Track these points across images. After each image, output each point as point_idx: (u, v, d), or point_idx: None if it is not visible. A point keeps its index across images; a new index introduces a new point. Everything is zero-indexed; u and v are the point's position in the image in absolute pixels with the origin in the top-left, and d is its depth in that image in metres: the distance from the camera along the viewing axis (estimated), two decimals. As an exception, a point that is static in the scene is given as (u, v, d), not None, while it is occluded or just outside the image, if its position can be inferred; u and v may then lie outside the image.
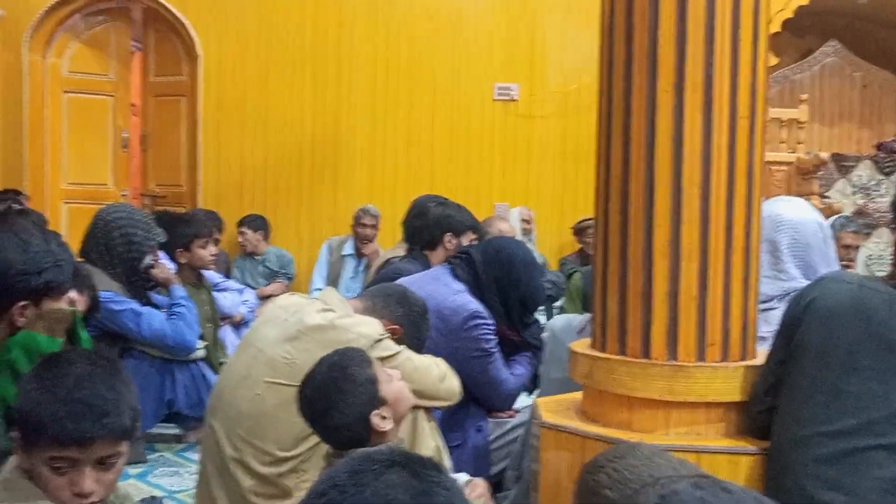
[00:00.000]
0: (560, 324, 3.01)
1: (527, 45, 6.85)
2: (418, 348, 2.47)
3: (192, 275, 4.26)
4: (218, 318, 4.45)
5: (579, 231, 6.48)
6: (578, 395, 2.28)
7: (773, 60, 6.42)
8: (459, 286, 3.00)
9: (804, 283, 2.25)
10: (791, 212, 2.45)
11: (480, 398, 2.96)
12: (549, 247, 6.74)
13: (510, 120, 6.85)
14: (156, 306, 3.75)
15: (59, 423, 1.47)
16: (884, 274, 2.02)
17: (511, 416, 3.06)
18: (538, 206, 6.72)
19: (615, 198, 2.09)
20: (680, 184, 2.01)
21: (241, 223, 6.42)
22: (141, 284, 3.76)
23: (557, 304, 5.23)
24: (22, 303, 1.84)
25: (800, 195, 6.20)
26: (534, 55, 6.85)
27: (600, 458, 1.42)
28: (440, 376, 2.43)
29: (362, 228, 6.14)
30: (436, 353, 2.52)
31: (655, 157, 2.02)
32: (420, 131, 6.86)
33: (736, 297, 2.05)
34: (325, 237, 6.46)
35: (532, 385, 3.25)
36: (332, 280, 6.07)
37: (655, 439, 2.00)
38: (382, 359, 2.14)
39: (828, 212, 5.61)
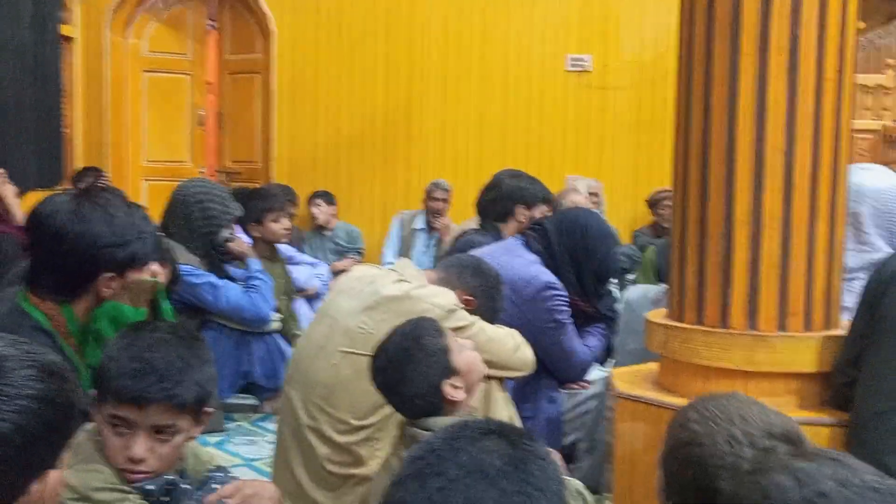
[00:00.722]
0: (635, 295, 2.98)
1: (600, 14, 6.73)
2: (492, 319, 2.47)
3: (266, 248, 4.32)
4: (292, 290, 4.51)
5: (653, 203, 6.37)
6: (654, 366, 2.25)
7: (860, 25, 6.19)
8: (533, 257, 2.98)
9: (889, 253, 2.17)
10: (873, 180, 2.36)
11: (553, 369, 2.95)
12: (622, 219, 6.65)
13: (583, 91, 6.76)
14: (232, 279, 3.82)
15: (121, 379, 1.48)
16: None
17: (584, 388, 3.05)
18: (611, 178, 6.63)
19: (694, 166, 2.05)
20: (762, 150, 1.96)
21: (314, 197, 6.49)
22: (218, 258, 3.83)
23: (631, 277, 5.18)
24: (108, 274, 1.88)
25: (886, 164, 5.98)
26: (607, 25, 6.73)
27: (695, 399, 1.39)
28: (513, 347, 2.43)
29: (433, 202, 6.15)
30: (509, 324, 2.51)
31: (737, 123, 1.97)
32: (492, 104, 6.82)
33: (819, 266, 1.99)
34: (397, 212, 6.49)
35: (605, 356, 3.22)
36: (404, 254, 6.10)
37: (735, 411, 1.96)
38: (456, 329, 2.14)
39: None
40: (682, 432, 1.32)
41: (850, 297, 2.16)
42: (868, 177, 2.37)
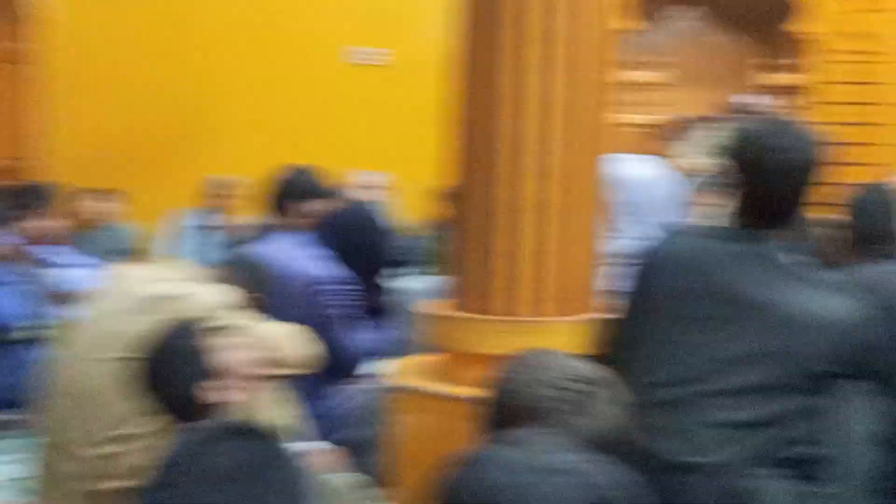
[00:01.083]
0: (416, 286, 3.00)
1: (395, 7, 6.77)
2: (273, 316, 2.41)
3: (25, 249, 4.05)
4: (56, 293, 4.23)
5: (440, 196, 6.46)
6: (436, 357, 2.26)
7: (637, 24, 6.55)
8: (314, 252, 2.96)
9: (642, 240, 2.29)
10: (625, 170, 2.50)
11: (329, 365, 2.94)
12: (409, 212, 6.73)
13: (380, 85, 6.77)
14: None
15: None
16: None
17: (362, 382, 3.04)
18: (410, 171, 6.67)
19: (466, 155, 2.07)
20: (545, 139, 2.00)
21: (91, 193, 6.14)
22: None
23: (413, 269, 5.22)
24: None
25: (666, 157, 6.37)
26: (402, 18, 6.78)
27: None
28: (292, 344, 2.38)
29: (216, 199, 6.00)
30: (285, 321, 2.47)
31: (498, 112, 2.00)
32: (282, 99, 6.68)
33: (575, 254, 2.06)
34: (181, 209, 6.25)
35: (388, 350, 3.23)
36: (185, 252, 5.89)
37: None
38: (226, 328, 2.07)
39: (693, 171, 5.78)
40: (505, 383, 1.46)
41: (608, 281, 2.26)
42: (621, 167, 2.49)
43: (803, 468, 1.79)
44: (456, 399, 2.00)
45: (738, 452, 1.74)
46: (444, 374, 2.18)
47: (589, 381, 1.41)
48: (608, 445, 1.33)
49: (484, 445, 1.27)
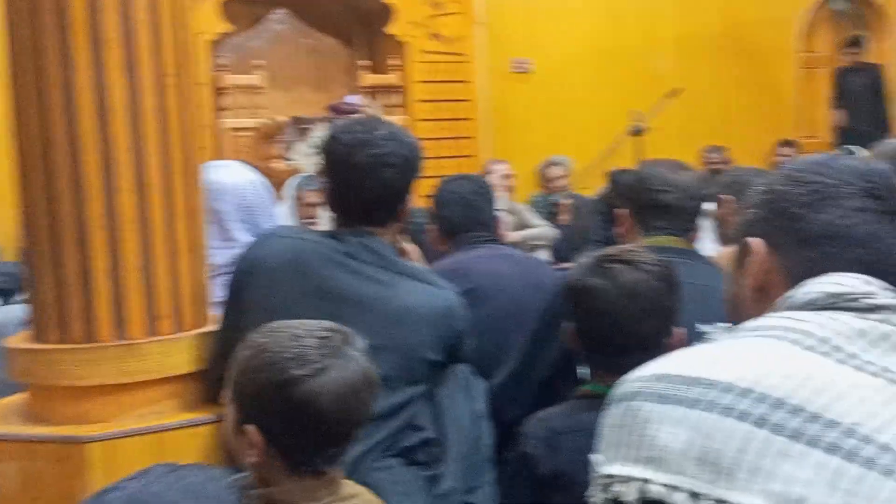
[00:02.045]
0: (9, 317, 2.68)
1: None
2: None
3: None
4: None
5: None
6: (21, 396, 2.03)
7: (227, 27, 6.46)
8: None
9: (243, 247, 2.25)
10: (229, 177, 2.44)
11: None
12: (12, 235, 6.08)
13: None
14: None
15: None
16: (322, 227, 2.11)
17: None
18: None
19: (37, 172, 1.87)
20: (109, 150, 1.86)
21: None
22: None
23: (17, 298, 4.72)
24: None
25: (265, 159, 6.38)
26: None
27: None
28: None
29: None
30: None
31: (79, 122, 1.84)
32: None
33: (183, 266, 1.97)
34: None
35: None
36: None
37: (115, 426, 1.86)
38: None
39: (292, 173, 5.84)
40: (248, 352, 1.44)
41: (223, 292, 2.20)
42: (225, 174, 2.43)
43: (426, 453, 1.86)
44: (38, 441, 1.81)
45: (370, 445, 1.77)
46: (27, 415, 1.97)
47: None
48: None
49: None
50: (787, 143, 8.09)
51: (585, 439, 1.65)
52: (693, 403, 0.87)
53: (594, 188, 6.86)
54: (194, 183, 2.00)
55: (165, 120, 1.92)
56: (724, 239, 2.74)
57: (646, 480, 0.87)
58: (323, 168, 1.97)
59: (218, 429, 1.91)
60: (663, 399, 0.89)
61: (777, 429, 0.82)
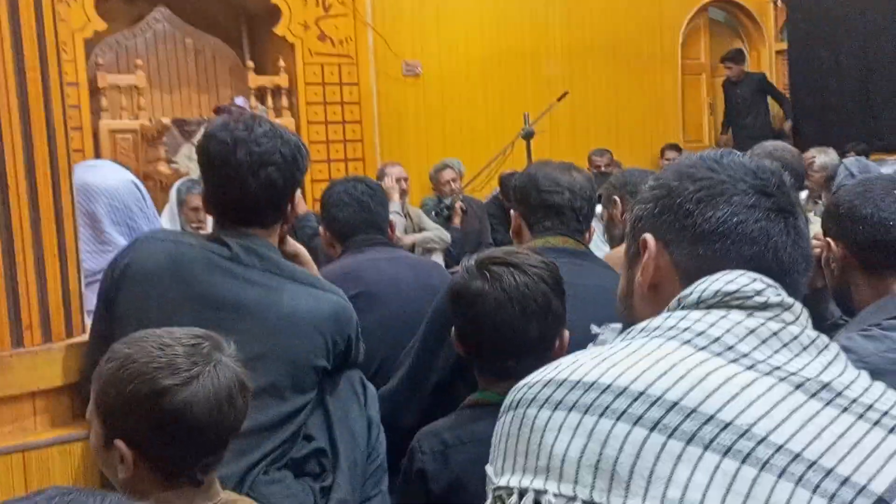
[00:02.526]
0: None
1: None
2: None
3: None
4: None
5: None
6: None
7: (104, 26, 6.21)
8: None
9: (118, 251, 2.14)
10: (102, 178, 2.30)
11: None
12: None
13: None
14: None
15: None
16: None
17: None
18: None
19: None
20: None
21: None
22: None
23: None
24: None
25: (148, 161, 6.15)
26: None
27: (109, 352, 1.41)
28: None
29: None
30: None
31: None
32: None
33: (52, 272, 1.85)
34: None
35: None
36: None
37: (-23, 446, 1.72)
38: None
39: (175, 176, 5.64)
40: (112, 364, 1.35)
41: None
42: (97, 175, 2.30)
43: (316, 463, 1.79)
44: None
45: (259, 457, 1.69)
46: None
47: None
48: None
49: None
50: (673, 147, 8.33)
51: (477, 450, 1.64)
52: (588, 409, 0.83)
53: (486, 191, 6.92)
54: (63, 184, 1.88)
55: (28, 118, 1.79)
56: (613, 240, 2.76)
57: (541, 491, 0.83)
58: (200, 168, 1.87)
59: (87, 446, 1.80)
60: (557, 405, 0.85)
61: (672, 432, 0.80)
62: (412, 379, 1.99)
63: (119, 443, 1.31)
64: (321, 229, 2.72)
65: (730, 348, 0.88)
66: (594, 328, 1.25)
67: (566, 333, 1.70)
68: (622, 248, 2.92)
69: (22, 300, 1.79)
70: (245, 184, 1.77)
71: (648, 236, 1.03)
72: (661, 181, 1.05)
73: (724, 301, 0.93)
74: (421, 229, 5.71)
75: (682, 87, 8.98)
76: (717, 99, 9.34)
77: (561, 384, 0.87)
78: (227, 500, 1.43)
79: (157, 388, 1.30)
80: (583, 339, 1.68)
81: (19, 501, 0.95)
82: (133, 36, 6.62)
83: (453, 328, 1.73)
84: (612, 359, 0.89)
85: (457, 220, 6.26)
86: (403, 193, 5.66)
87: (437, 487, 1.59)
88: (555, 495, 0.82)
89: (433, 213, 6.21)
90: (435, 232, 5.74)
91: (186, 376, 1.31)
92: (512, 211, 2.25)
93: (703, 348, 0.88)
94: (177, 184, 5.28)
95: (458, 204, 6.26)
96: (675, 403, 0.82)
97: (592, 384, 0.85)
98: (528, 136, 5.28)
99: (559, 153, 6.14)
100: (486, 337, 1.64)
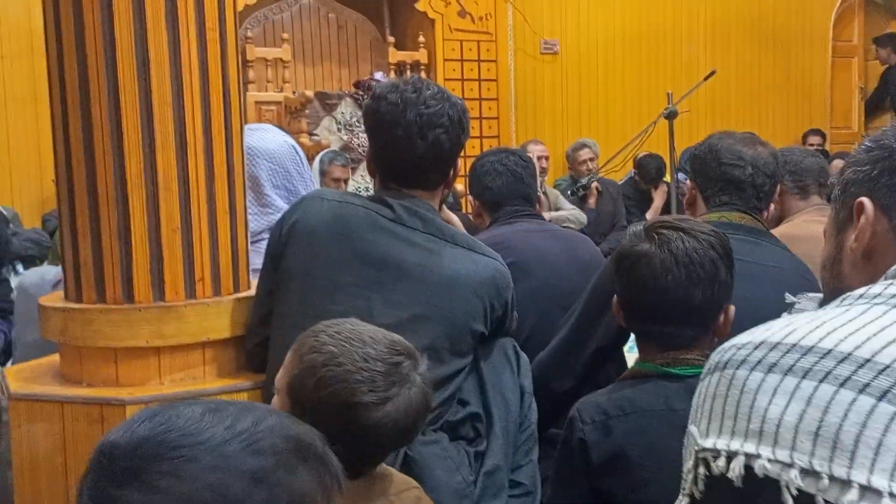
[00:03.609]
0: (31, 279, 2.63)
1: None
2: None
3: None
4: None
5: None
6: (55, 358, 1.98)
7: (252, 0, 6.39)
8: None
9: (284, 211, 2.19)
10: (263, 141, 2.36)
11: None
12: (29, 202, 6.05)
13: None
14: None
15: None
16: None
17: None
18: (11, 157, 5.97)
19: (75, 127, 1.81)
20: (150, 106, 1.79)
21: None
22: None
23: (44, 264, 4.70)
24: None
25: (291, 133, 6.31)
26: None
27: (317, 327, 1.42)
28: None
29: None
30: None
31: (118, 77, 1.77)
32: None
33: (222, 229, 1.91)
34: None
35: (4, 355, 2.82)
36: None
37: (148, 391, 1.80)
38: None
39: (317, 148, 5.77)
40: (317, 356, 1.35)
41: (259, 258, 2.14)
42: (258, 138, 2.35)
43: (471, 428, 1.80)
44: (73, 401, 1.75)
45: None
46: (59, 376, 1.91)
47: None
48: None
49: None
50: (817, 132, 7.97)
51: (639, 420, 1.61)
52: (807, 373, 0.79)
53: (621, 174, 6.80)
54: (235, 143, 1.94)
55: (206, 75, 1.85)
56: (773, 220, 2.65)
57: (753, 455, 0.80)
58: (368, 130, 1.89)
59: (253, 396, 1.86)
60: (771, 367, 0.81)
61: None
62: (568, 343, 1.97)
63: None
64: (472, 197, 2.72)
65: None
66: (789, 297, 1.19)
67: (731, 309, 1.64)
68: (791, 226, 2.80)
69: (196, 254, 1.86)
70: (413, 145, 1.78)
71: (865, 200, 0.97)
72: (882, 142, 0.99)
73: None
74: (557, 209, 5.66)
75: (832, 70, 8.57)
76: (868, 83, 8.87)
77: (774, 346, 0.83)
78: (399, 488, 1.46)
79: (354, 401, 1.33)
80: (754, 320, 1.62)
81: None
82: (280, 10, 6.79)
83: (615, 296, 1.70)
84: (831, 323, 0.84)
85: (592, 201, 6.18)
86: (543, 172, 5.62)
87: (597, 458, 1.57)
88: (769, 461, 0.78)
89: (568, 192, 6.14)
90: (571, 211, 5.68)
91: (383, 396, 1.34)
92: (688, 181, 2.19)
93: None
94: (320, 155, 5.41)
95: (595, 184, 6.17)
96: None
97: (811, 348, 0.81)
98: (671, 115, 5.13)
99: (696, 135, 5.95)
100: (649, 300, 1.60)
